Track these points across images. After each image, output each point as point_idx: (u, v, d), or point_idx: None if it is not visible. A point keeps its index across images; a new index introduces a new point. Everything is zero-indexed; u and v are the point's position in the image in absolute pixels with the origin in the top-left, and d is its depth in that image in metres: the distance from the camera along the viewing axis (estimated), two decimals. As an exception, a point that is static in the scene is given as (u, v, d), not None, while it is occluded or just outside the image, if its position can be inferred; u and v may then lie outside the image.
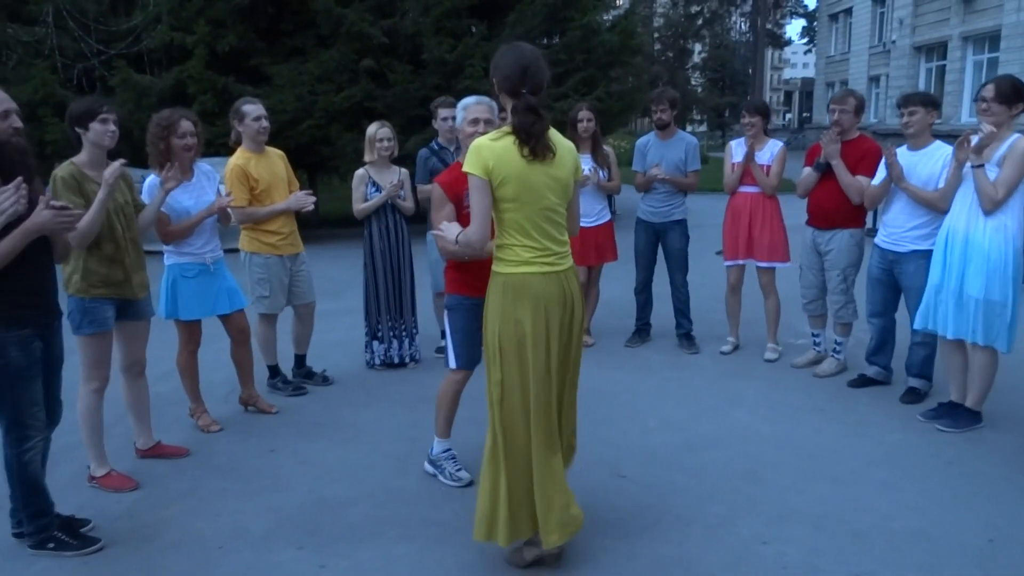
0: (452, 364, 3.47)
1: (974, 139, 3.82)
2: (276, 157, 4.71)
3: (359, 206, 5.05)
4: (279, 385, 4.90)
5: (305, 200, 4.60)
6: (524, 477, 2.76)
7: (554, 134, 2.79)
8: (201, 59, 11.13)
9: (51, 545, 3.04)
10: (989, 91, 3.82)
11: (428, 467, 3.70)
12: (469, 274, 3.27)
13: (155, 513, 3.39)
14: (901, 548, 2.98)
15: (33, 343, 2.87)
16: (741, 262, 5.38)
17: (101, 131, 3.43)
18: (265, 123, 4.54)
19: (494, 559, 2.97)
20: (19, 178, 2.62)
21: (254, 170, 4.47)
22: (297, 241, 4.76)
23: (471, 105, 3.45)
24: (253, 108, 4.52)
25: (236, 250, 4.65)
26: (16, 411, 2.86)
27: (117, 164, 3.38)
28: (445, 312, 3.48)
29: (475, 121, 3.39)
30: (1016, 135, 3.78)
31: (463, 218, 3.17)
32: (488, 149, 2.65)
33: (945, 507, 3.30)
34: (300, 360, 5.10)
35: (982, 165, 3.77)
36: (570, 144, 2.87)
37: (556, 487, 2.76)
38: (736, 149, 5.35)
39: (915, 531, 3.10)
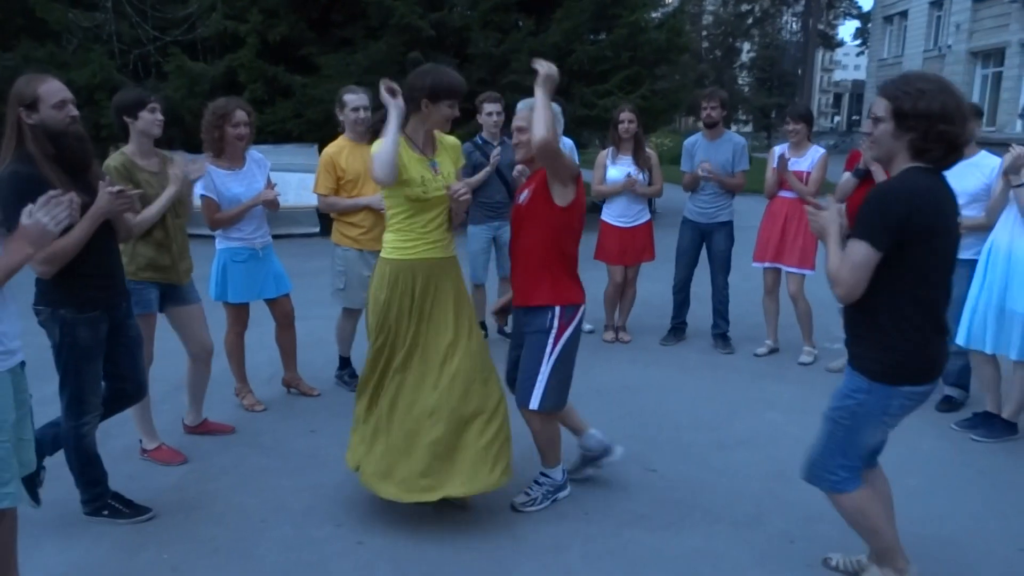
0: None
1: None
2: None
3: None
4: (346, 379, 4.88)
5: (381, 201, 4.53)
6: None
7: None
8: (253, 48, 11.38)
9: (105, 512, 3.20)
10: None
11: None
12: None
13: (201, 486, 3.54)
14: (929, 554, 2.99)
15: (101, 324, 3.03)
16: (768, 265, 5.40)
17: (151, 120, 3.53)
18: (363, 114, 4.43)
19: (524, 542, 3.06)
20: (71, 194, 2.61)
21: (344, 160, 4.44)
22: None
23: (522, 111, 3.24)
24: (353, 98, 4.47)
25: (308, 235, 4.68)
26: (79, 388, 3.01)
27: (181, 169, 3.57)
28: None
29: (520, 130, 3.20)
30: (1063, 151, 3.75)
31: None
32: None
33: (976, 516, 3.30)
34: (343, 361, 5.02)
35: (1022, 184, 3.75)
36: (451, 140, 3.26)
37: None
38: (779, 154, 5.36)
39: (944, 538, 3.12)
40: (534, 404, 3.12)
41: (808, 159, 5.21)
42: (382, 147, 2.93)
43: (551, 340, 3.08)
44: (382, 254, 3.21)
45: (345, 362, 4.94)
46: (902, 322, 2.33)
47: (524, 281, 3.15)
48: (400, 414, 3.10)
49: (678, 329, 5.95)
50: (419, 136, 3.16)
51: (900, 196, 2.24)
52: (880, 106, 2.30)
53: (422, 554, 3.00)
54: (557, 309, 3.08)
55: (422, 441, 3.03)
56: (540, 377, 3.09)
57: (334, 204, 4.52)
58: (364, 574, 2.88)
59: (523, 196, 3.20)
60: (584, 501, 3.39)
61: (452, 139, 3.34)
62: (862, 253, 2.26)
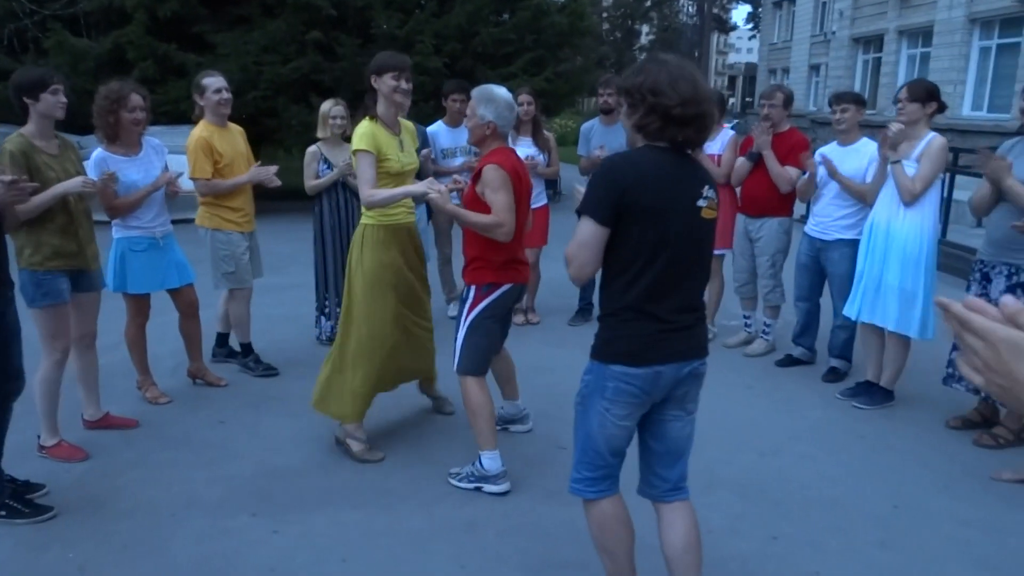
0: None
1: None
2: (237, 133, 4.66)
3: (311, 183, 5.10)
4: (251, 365, 4.85)
5: (267, 172, 4.51)
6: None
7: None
8: (141, 24, 10.85)
9: (2, 513, 3.08)
10: (904, 93, 4.10)
11: None
12: None
13: (106, 482, 3.45)
14: (815, 514, 3.25)
15: None
16: None
17: (53, 103, 3.40)
18: (226, 95, 4.47)
19: (440, 523, 3.14)
20: None
21: (218, 144, 4.42)
22: (253, 220, 4.75)
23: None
24: (213, 81, 4.46)
25: (191, 220, 4.63)
26: None
27: (89, 183, 3.47)
28: None
29: None
30: (933, 133, 4.07)
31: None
32: None
33: (857, 477, 3.59)
34: (222, 339, 5.02)
35: (899, 161, 4.05)
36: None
37: None
38: None
39: (829, 499, 3.38)
40: (455, 367, 3.44)
41: (719, 142, 5.41)
42: (390, 193, 3.49)
43: (466, 309, 3.40)
44: (369, 222, 3.64)
45: (247, 348, 4.89)
46: (619, 301, 2.24)
47: (465, 260, 3.49)
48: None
49: (585, 310, 6.12)
50: (389, 116, 3.63)
51: (618, 170, 2.18)
52: None
53: (339, 539, 3.03)
54: (473, 287, 3.39)
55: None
56: (458, 342, 3.42)
57: (216, 187, 4.47)
58: (282, 562, 2.89)
59: (467, 185, 3.47)
60: (497, 480, 3.50)
61: (410, 124, 3.90)
62: (585, 229, 2.18)
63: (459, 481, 3.46)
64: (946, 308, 0.92)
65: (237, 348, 4.96)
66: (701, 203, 2.23)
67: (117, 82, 3.96)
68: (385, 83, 3.52)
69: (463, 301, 3.42)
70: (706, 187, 2.25)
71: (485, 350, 3.43)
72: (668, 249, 2.17)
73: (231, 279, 4.65)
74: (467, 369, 3.41)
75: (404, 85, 3.55)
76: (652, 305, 2.21)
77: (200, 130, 4.46)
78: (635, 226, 2.15)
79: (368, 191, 3.46)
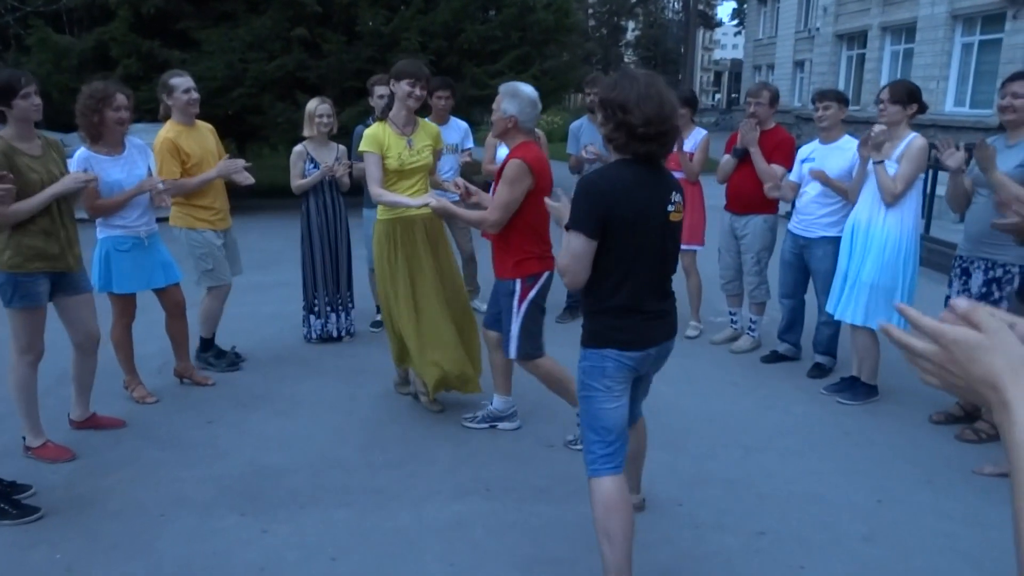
0: None
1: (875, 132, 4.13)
2: (206, 131, 4.65)
3: (297, 182, 5.09)
4: (211, 360, 4.86)
5: (235, 165, 4.50)
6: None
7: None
8: (125, 20, 10.77)
9: (-11, 514, 3.07)
10: (885, 94, 4.13)
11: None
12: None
13: (94, 483, 3.44)
14: (800, 509, 3.28)
15: None
16: None
17: (26, 107, 3.34)
18: (195, 95, 4.48)
19: (429, 521, 3.15)
20: None
21: (185, 144, 4.40)
22: (228, 217, 4.76)
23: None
24: (181, 81, 4.46)
25: (167, 219, 4.61)
26: None
27: (82, 177, 3.53)
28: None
29: None
30: (914, 134, 4.11)
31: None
32: None
33: (841, 472, 3.63)
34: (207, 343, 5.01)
35: (881, 161, 4.09)
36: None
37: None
38: None
39: (813, 494, 3.42)
40: (511, 354, 3.67)
41: (692, 140, 5.46)
42: (393, 199, 3.86)
43: (515, 302, 3.61)
44: (377, 217, 4.02)
45: (208, 343, 4.89)
46: (607, 301, 2.45)
47: (495, 256, 3.70)
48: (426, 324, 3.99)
49: (573, 307, 6.14)
50: (400, 117, 3.94)
51: (598, 187, 2.38)
52: None
53: (328, 538, 3.04)
54: (519, 281, 3.58)
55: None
56: (512, 332, 3.63)
57: (183, 186, 4.44)
58: (271, 561, 2.89)
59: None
60: (486, 478, 3.52)
61: (433, 126, 4.21)
62: (578, 243, 2.37)
63: (573, 446, 3.74)
64: (902, 312, 0.93)
65: (225, 348, 4.94)
66: (670, 208, 2.48)
67: (101, 81, 3.95)
68: (401, 88, 3.86)
69: (510, 294, 3.61)
70: (673, 193, 2.50)
71: (537, 334, 3.70)
72: (645, 253, 2.45)
73: (210, 277, 4.66)
74: (530, 353, 3.65)
75: (418, 92, 3.86)
76: (636, 301, 2.47)
77: (167, 131, 4.44)
78: (616, 235, 2.39)
79: (376, 190, 3.86)
